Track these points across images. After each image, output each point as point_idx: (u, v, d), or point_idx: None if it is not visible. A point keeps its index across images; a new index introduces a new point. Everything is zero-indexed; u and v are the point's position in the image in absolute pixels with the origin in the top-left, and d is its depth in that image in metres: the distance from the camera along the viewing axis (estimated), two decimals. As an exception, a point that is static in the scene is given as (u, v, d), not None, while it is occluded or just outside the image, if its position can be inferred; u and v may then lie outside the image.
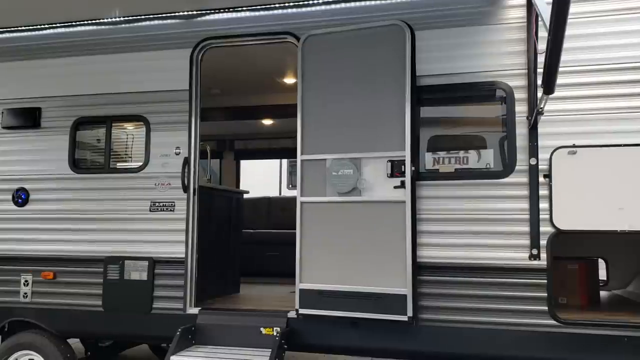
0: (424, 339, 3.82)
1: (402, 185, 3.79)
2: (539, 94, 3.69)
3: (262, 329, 4.07)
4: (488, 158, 4.02)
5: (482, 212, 3.81)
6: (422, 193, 3.89)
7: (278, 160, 12.60)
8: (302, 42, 4.15)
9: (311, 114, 4.09)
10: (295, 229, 7.38)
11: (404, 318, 3.72)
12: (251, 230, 7.29)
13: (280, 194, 11.95)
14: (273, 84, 6.62)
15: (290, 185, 11.93)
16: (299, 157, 4.10)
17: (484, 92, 3.93)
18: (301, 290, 3.99)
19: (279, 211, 7.97)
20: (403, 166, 3.80)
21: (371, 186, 3.88)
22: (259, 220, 7.88)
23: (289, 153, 8.56)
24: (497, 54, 3.89)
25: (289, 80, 6.52)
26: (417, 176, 3.86)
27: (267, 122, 7.69)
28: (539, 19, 3.46)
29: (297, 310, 4.00)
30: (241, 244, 5.81)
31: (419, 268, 3.82)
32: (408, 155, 3.78)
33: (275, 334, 3.99)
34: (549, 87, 2.94)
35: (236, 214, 5.68)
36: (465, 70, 3.92)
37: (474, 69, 3.92)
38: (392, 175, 3.82)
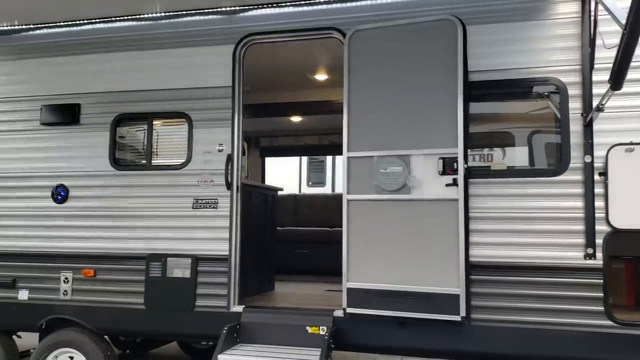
0: (475, 339, 3.77)
1: (455, 183, 3.73)
2: (594, 90, 3.66)
3: (308, 327, 4.03)
4: (536, 155, 3.97)
5: (535, 210, 3.74)
6: (472, 191, 3.83)
7: (297, 158, 12.52)
8: (348, 38, 4.09)
9: (358, 111, 4.03)
10: (324, 226, 7.35)
11: (457, 318, 3.66)
12: (279, 228, 7.24)
13: (300, 191, 11.88)
14: (304, 80, 6.57)
15: (310, 183, 11.88)
16: (345, 154, 4.05)
17: (535, 88, 3.87)
18: (349, 289, 3.94)
19: (306, 209, 7.92)
20: (455, 163, 3.73)
21: (421, 184, 3.83)
22: (285, 217, 7.83)
23: (315, 150, 8.52)
24: (550, 50, 3.82)
25: (321, 76, 6.48)
26: (468, 173, 3.81)
27: (294, 119, 7.65)
28: (601, 13, 3.40)
29: (344, 309, 3.95)
30: (276, 241, 5.77)
31: (470, 267, 3.77)
32: (461, 153, 3.72)
33: (322, 333, 3.95)
34: (619, 83, 2.87)
35: (271, 211, 5.64)
36: (516, 66, 3.86)
37: (525, 64, 3.86)
38: (443, 173, 3.76)
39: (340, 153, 8.92)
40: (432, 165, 3.80)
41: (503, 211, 3.79)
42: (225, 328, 4.00)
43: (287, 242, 7.00)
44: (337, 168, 12.80)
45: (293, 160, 12.48)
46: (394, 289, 3.81)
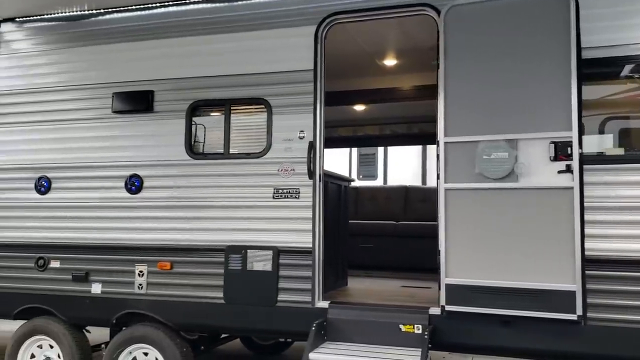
0: (591, 339, 3.44)
1: (568, 169, 3.41)
2: None
3: (401, 326, 3.77)
4: None
5: (659, 199, 3.40)
6: (585, 178, 3.50)
7: (346, 150, 12.26)
8: (444, 14, 3.80)
9: (457, 93, 3.74)
10: (390, 220, 7.07)
11: (573, 317, 3.35)
12: (343, 221, 7.00)
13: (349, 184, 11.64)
14: (371, 66, 6.28)
15: (361, 176, 11.62)
16: (442, 140, 3.76)
17: (656, 65, 3.52)
18: (447, 286, 3.66)
19: (368, 201, 7.65)
20: (569, 148, 3.41)
21: (529, 171, 3.52)
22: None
23: (375, 141, 8.24)
24: (673, 22, 3.46)
25: (390, 62, 6.18)
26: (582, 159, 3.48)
27: (357, 108, 7.36)
28: None
29: (442, 307, 3.67)
30: (349, 235, 5.52)
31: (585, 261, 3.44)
32: (575, 136, 3.40)
33: (419, 331, 3.68)
34: None
35: (344, 202, 5.39)
36: (636, 41, 3.51)
37: (644, 39, 3.50)
38: (555, 159, 3.44)
39: (405, 143, 8.63)
40: (542, 150, 3.49)
41: (622, 200, 3.45)
42: (314, 325, 3.77)
43: (352, 235, 6.75)
44: (389, 160, 12.50)
45: (343, 152, 12.21)
46: (500, 285, 3.52)
